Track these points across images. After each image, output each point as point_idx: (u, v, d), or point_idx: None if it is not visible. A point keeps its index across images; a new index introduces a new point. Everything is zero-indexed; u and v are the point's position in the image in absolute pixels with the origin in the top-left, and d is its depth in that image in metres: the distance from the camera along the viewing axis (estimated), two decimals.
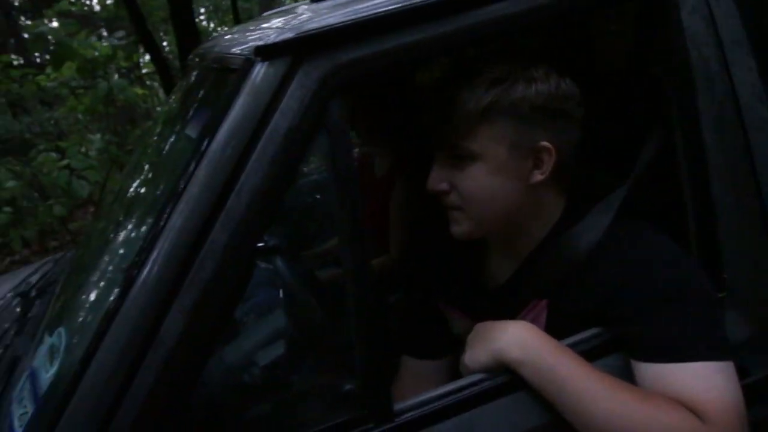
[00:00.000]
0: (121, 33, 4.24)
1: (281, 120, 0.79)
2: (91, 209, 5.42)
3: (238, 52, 0.87)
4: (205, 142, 0.79)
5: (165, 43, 8.42)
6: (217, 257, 0.75)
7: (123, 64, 4.82)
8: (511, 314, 0.96)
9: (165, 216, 0.77)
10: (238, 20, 5.76)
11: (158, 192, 0.93)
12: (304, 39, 0.79)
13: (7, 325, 1.40)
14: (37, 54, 7.28)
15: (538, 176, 0.91)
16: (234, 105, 0.79)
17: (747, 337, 0.92)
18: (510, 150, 0.89)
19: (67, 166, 3.49)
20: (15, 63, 5.92)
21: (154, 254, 0.76)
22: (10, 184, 3.67)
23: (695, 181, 0.94)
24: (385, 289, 1.68)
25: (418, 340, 1.15)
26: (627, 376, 0.84)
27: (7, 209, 4.05)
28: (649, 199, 0.98)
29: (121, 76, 4.93)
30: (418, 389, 0.90)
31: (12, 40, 7.36)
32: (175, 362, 0.74)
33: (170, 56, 6.83)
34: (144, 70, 6.63)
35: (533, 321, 0.94)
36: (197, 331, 0.75)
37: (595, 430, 0.79)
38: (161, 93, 6.72)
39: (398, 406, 0.83)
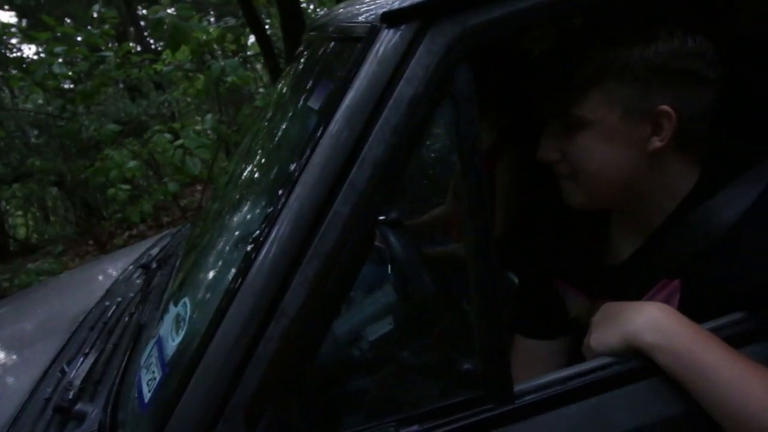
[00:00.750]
0: (229, 18, 4.40)
1: (406, 88, 0.76)
2: (199, 187, 5.72)
3: (363, 19, 0.85)
4: (329, 113, 0.78)
5: (268, 26, 8.67)
6: (339, 229, 0.75)
7: (230, 47, 5.01)
8: (636, 294, 0.90)
9: (288, 188, 0.77)
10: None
11: (280, 165, 0.94)
12: (432, 3, 0.76)
13: (131, 295, 1.49)
14: (152, 41, 7.73)
15: (656, 143, 0.84)
16: (359, 73, 0.78)
17: None
18: (624, 115, 0.83)
19: (181, 146, 3.69)
20: (133, 51, 6.31)
21: (278, 226, 0.76)
22: (131, 164, 3.92)
23: None
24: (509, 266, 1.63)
25: (532, 320, 1.10)
26: None
27: (126, 187, 4.35)
28: None
29: (226, 59, 5.12)
30: (531, 371, 0.87)
31: (131, 29, 7.84)
32: (297, 333, 0.74)
33: (273, 38, 7.02)
34: (249, 52, 6.85)
35: (664, 303, 0.87)
36: (318, 303, 0.75)
37: (740, 424, 0.72)
38: (265, 77, 6.94)
39: (519, 387, 0.80)
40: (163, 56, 4.43)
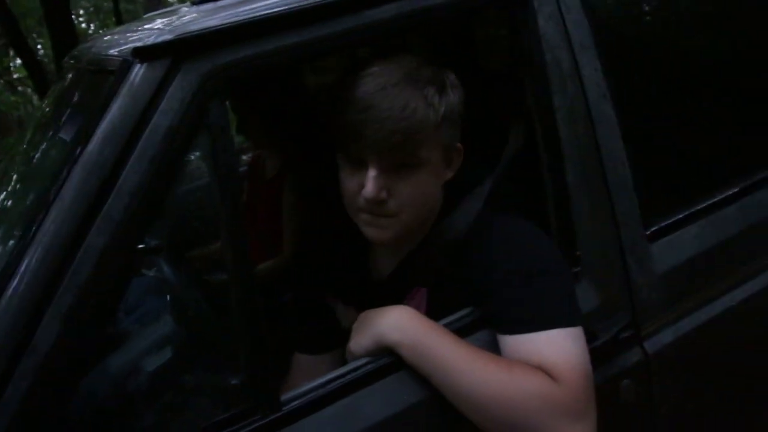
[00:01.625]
0: None
1: (161, 120, 0.79)
2: None
3: (116, 53, 0.87)
4: (81, 145, 0.78)
5: (40, 46, 7.89)
6: (94, 260, 0.75)
7: None
8: (395, 304, 1.02)
9: (39, 221, 0.76)
10: (120, 22, 5.52)
11: (32, 197, 0.90)
12: (183, 41, 0.81)
13: None
14: None
15: (448, 175, 0.99)
16: (111, 106, 0.79)
17: (596, 306, 1.03)
18: (443, 153, 0.95)
19: None
20: None
21: (26, 260, 0.74)
22: None
23: (552, 170, 1.04)
24: (280, 289, 1.70)
25: (307, 336, 1.18)
26: (496, 348, 0.91)
27: None
28: (514, 187, 1.08)
29: None
30: None
31: None
32: (51, 369, 0.73)
33: (45, 60, 6.40)
34: (15, 75, 6.17)
35: (416, 307, 1.00)
36: (74, 337, 0.74)
37: (463, 399, 0.86)
38: (35, 99, 6.30)
39: (285, 396, 0.86)
40: None
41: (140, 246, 0.81)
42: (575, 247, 1.04)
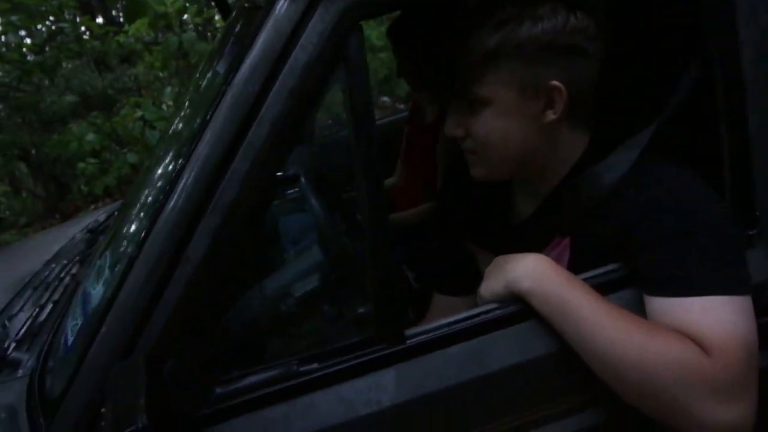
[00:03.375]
0: None
1: (301, 54, 0.81)
2: None
3: None
4: (230, 77, 0.83)
5: None
6: (239, 184, 0.80)
7: (196, 20, 4.96)
8: (535, 251, 0.97)
9: (193, 147, 0.83)
10: None
11: (191, 126, 0.99)
12: None
13: (76, 257, 1.54)
14: (115, 13, 7.58)
15: (550, 116, 0.90)
16: (257, 40, 0.83)
17: None
18: (519, 92, 0.89)
19: (141, 118, 3.68)
20: (97, 22, 6.20)
21: (182, 181, 0.82)
22: (90, 137, 3.91)
23: (732, 117, 0.90)
24: (431, 231, 1.71)
25: (447, 278, 1.18)
26: (640, 310, 0.84)
27: (93, 161, 4.33)
28: (682, 135, 0.96)
29: (195, 31, 5.06)
30: None
31: (93, 0, 7.68)
32: (201, 279, 0.81)
33: None
34: (218, 26, 6.76)
35: (557, 258, 0.95)
36: (220, 251, 0.81)
37: (597, 358, 0.80)
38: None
39: (410, 331, 0.87)
40: (126, 28, 4.39)
41: (279, 174, 0.85)
42: (753, 206, 0.91)
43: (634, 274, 0.87)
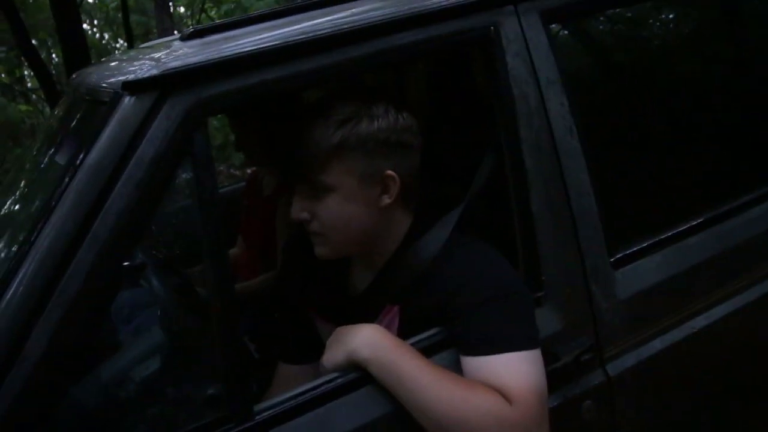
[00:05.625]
0: (1, 48, 4.05)
1: (147, 148, 0.86)
2: None
3: (108, 85, 0.94)
4: (73, 169, 0.85)
5: (54, 56, 8.04)
6: (83, 276, 0.81)
7: (5, 79, 4.60)
8: (369, 320, 1.08)
9: (33, 237, 0.82)
10: (130, 34, 5.65)
11: (29, 213, 0.98)
12: (168, 76, 0.87)
13: None
14: None
15: (386, 200, 1.03)
16: (102, 134, 0.86)
17: (559, 329, 1.09)
18: (360, 180, 1.01)
19: None
20: None
21: (21, 273, 0.81)
22: None
23: (519, 199, 1.10)
24: (273, 302, 1.77)
25: (289, 347, 1.25)
26: (459, 368, 0.98)
27: None
28: (484, 213, 1.14)
29: (3, 93, 4.68)
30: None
31: None
32: (39, 378, 0.79)
33: (58, 69, 6.54)
34: (29, 85, 6.30)
35: (388, 325, 1.06)
36: (62, 347, 0.80)
37: (424, 414, 0.92)
38: (47, 108, 6.43)
39: (259, 406, 0.93)
40: None
41: (125, 264, 0.87)
42: (540, 271, 1.10)
43: (452, 337, 1.01)
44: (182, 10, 9.56)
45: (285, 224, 1.96)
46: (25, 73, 6.47)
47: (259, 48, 0.93)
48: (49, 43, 7.72)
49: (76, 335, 0.82)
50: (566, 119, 1.12)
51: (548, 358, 0.98)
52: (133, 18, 5.95)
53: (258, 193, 2.11)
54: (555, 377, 0.97)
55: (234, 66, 0.91)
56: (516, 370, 0.92)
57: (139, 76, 0.88)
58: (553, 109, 1.12)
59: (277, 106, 1.86)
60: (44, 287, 0.80)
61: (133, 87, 0.87)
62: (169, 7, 6.90)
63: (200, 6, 7.48)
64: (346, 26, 0.97)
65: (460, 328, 0.98)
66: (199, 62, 0.89)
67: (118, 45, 9.94)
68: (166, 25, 6.41)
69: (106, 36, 10.50)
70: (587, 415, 1.10)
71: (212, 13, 7.77)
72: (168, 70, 0.88)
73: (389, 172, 1.02)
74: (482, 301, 0.97)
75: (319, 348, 1.19)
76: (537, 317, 1.02)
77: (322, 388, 0.96)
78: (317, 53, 0.95)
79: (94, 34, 9.98)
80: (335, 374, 0.98)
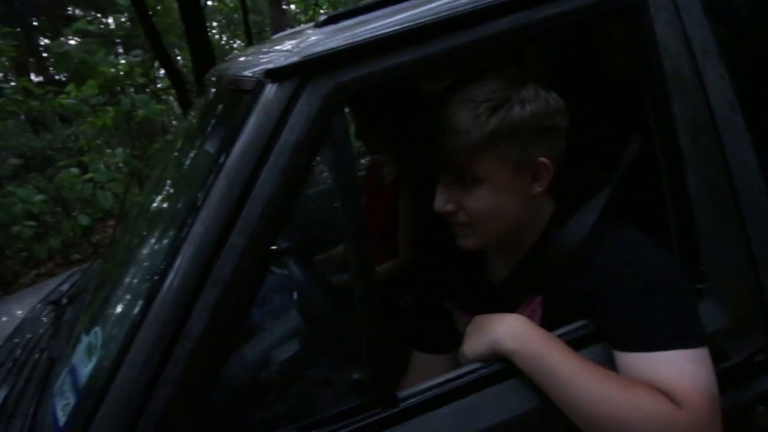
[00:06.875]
0: (137, 51, 4.38)
1: (289, 135, 0.87)
2: (111, 222, 5.56)
3: (250, 74, 0.96)
4: (223, 157, 0.88)
5: (179, 58, 8.60)
6: (235, 259, 0.84)
7: (140, 80, 4.97)
8: (510, 310, 1.04)
9: (188, 224, 0.86)
10: (249, 34, 5.90)
11: (181, 203, 1.02)
12: (308, 62, 0.88)
13: (41, 331, 1.50)
14: (53, 71, 7.47)
15: (537, 189, 0.98)
16: (248, 122, 0.88)
17: (725, 325, 0.98)
18: (512, 170, 0.96)
19: (91, 179, 3.62)
20: (35, 81, 6.10)
21: (180, 258, 0.85)
22: (37, 198, 3.80)
23: (673, 181, 1.01)
24: (396, 290, 1.77)
25: (426, 336, 1.23)
26: (610, 363, 0.91)
27: (31, 223, 4.19)
28: (633, 197, 1.06)
29: (137, 92, 5.07)
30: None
31: (31, 59, 7.56)
32: (201, 354, 0.83)
33: (184, 70, 6.98)
34: (159, 85, 6.78)
35: (530, 316, 1.01)
36: (219, 326, 0.84)
37: (578, 413, 0.86)
38: (176, 107, 6.89)
39: (402, 393, 0.92)
40: (68, 88, 4.36)
41: (273, 247, 0.89)
42: (699, 261, 1.00)
43: (602, 330, 0.95)
44: (293, 7, 9.90)
45: (408, 213, 1.96)
46: (156, 75, 6.98)
47: (395, 30, 0.91)
48: (176, 49, 8.27)
49: (231, 315, 0.84)
50: (726, 92, 1.01)
51: (714, 357, 0.89)
52: (250, 17, 6.21)
53: (378, 182, 2.13)
54: (723, 379, 0.87)
55: (371, 49, 0.90)
56: (683, 369, 0.84)
57: (281, 63, 0.89)
58: (711, 82, 1.01)
59: (399, 93, 1.86)
60: (201, 271, 0.84)
61: (276, 74, 0.89)
62: (282, 4, 7.15)
63: (313, 1, 7.69)
64: (485, 1, 0.93)
65: (613, 320, 0.91)
66: (338, 47, 0.89)
67: (235, 45, 10.48)
68: (280, 22, 6.66)
69: (224, 37, 11.10)
70: (760, 422, 0.99)
71: (324, 8, 7.95)
72: (308, 56, 0.88)
73: (542, 159, 0.96)
74: (640, 292, 0.89)
75: (457, 338, 1.17)
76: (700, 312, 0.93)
77: (465, 378, 0.93)
78: (455, 31, 0.92)
79: (213, 35, 10.56)
80: (477, 365, 0.95)
